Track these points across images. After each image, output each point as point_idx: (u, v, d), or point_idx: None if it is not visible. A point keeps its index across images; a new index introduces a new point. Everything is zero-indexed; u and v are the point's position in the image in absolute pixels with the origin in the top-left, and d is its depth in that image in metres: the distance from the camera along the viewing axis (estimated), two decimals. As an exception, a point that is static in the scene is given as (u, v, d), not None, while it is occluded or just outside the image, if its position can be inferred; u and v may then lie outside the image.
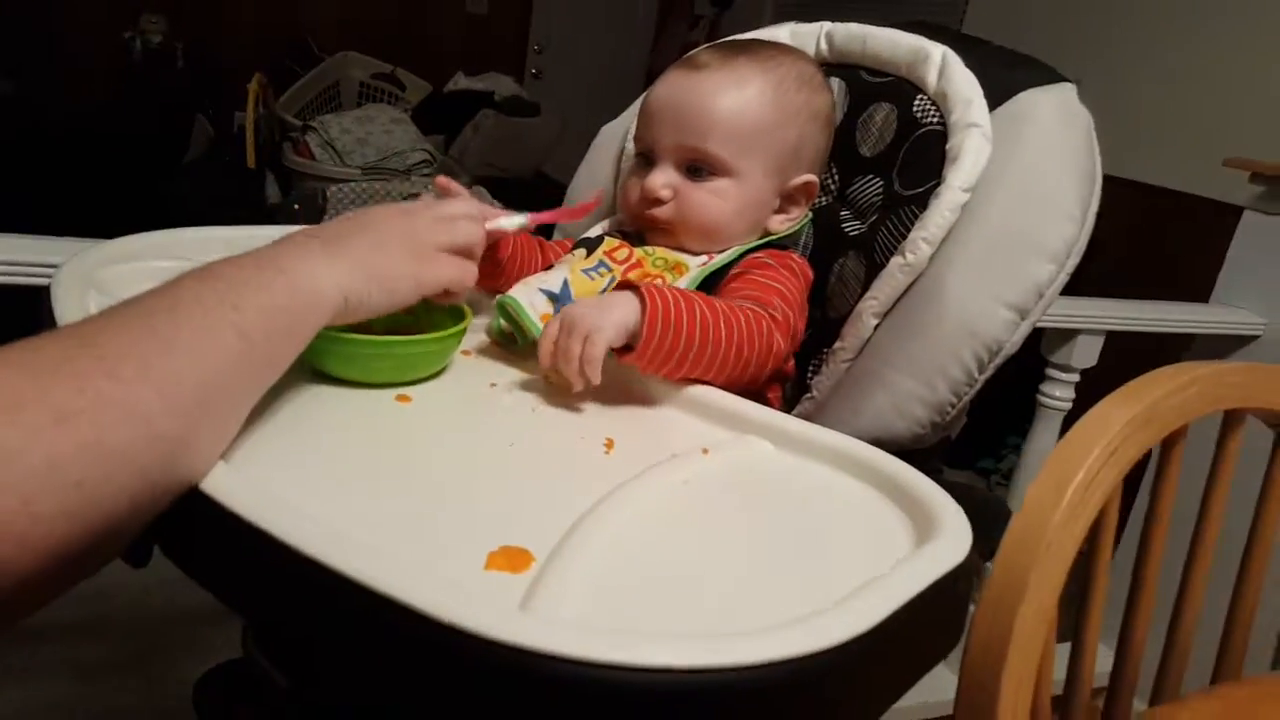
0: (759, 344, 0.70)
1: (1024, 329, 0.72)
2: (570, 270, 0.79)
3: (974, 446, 2.65)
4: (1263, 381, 0.64)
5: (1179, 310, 1.63)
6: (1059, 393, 1.57)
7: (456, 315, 0.70)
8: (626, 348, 0.66)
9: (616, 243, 0.82)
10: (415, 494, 0.55)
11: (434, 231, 0.66)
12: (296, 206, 2.07)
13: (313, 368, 0.65)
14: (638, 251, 0.81)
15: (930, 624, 0.50)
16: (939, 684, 0.55)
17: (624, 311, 0.65)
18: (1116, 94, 2.85)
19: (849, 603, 0.45)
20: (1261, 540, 0.70)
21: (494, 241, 0.77)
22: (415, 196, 2.02)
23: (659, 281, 0.77)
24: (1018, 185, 0.74)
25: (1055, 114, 0.77)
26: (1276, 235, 1.59)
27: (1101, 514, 0.56)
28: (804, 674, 0.41)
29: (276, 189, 2.68)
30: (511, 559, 0.49)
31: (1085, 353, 1.54)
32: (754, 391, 0.81)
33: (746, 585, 0.50)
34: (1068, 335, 1.53)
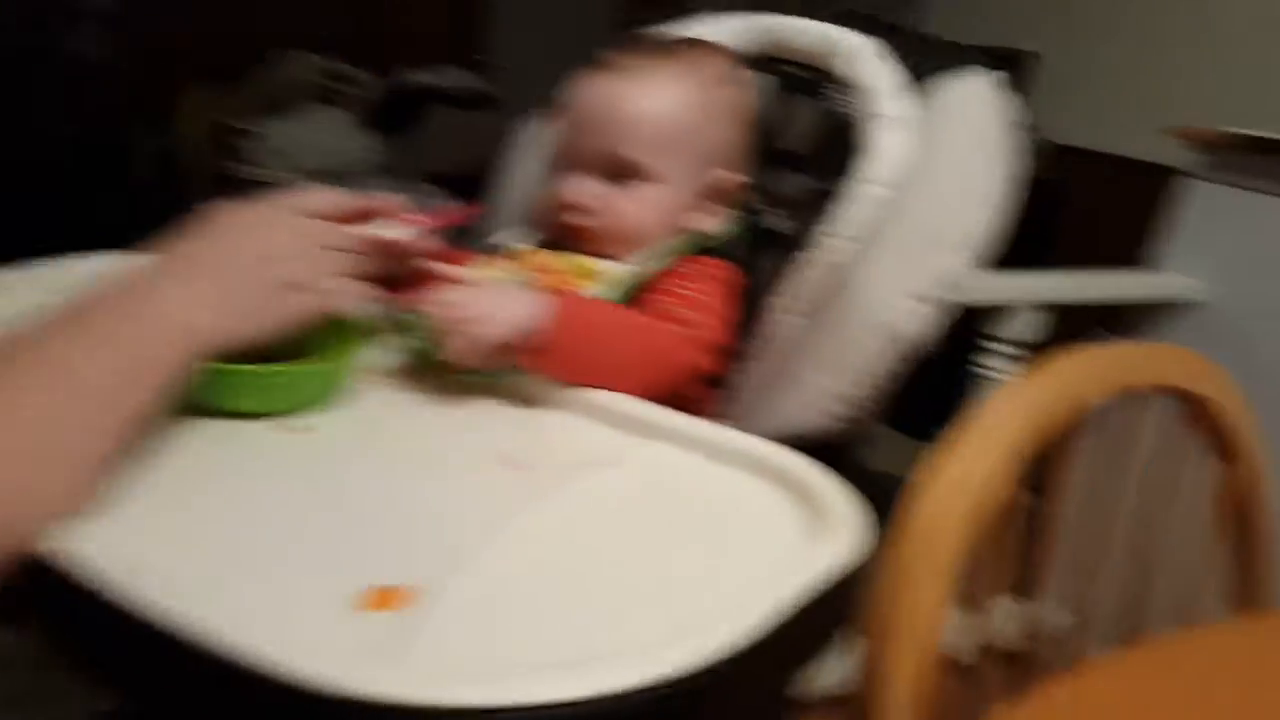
0: (671, 361, 0.69)
1: (932, 318, 0.72)
2: (486, 276, 0.77)
3: (926, 416, 2.67)
4: (1161, 360, 0.65)
5: (1120, 280, 1.64)
6: (998, 365, 1.57)
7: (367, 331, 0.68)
8: (528, 351, 0.64)
9: (535, 248, 0.80)
10: (290, 530, 0.52)
11: (300, 259, 0.61)
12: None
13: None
14: (556, 258, 0.79)
15: (816, 618, 0.49)
16: (832, 666, 0.55)
17: (524, 311, 0.63)
18: (1067, 62, 2.88)
19: (736, 610, 0.45)
20: (1166, 508, 0.71)
21: (399, 251, 0.72)
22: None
23: (575, 289, 0.75)
24: (932, 175, 0.74)
25: (974, 101, 0.76)
26: (1220, 202, 1.61)
27: (1001, 503, 0.56)
28: (693, 686, 0.41)
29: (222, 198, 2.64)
30: (388, 598, 0.47)
31: (1022, 325, 1.54)
32: (677, 392, 0.80)
33: (637, 602, 0.49)
34: (1002, 310, 1.54)
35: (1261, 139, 1.45)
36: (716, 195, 0.81)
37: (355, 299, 0.64)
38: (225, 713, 0.43)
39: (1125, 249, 2.18)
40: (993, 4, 3.19)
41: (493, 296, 0.64)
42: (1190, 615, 0.72)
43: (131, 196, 2.93)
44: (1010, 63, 3.05)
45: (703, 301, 0.74)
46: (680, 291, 0.75)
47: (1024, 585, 0.67)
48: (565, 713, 0.39)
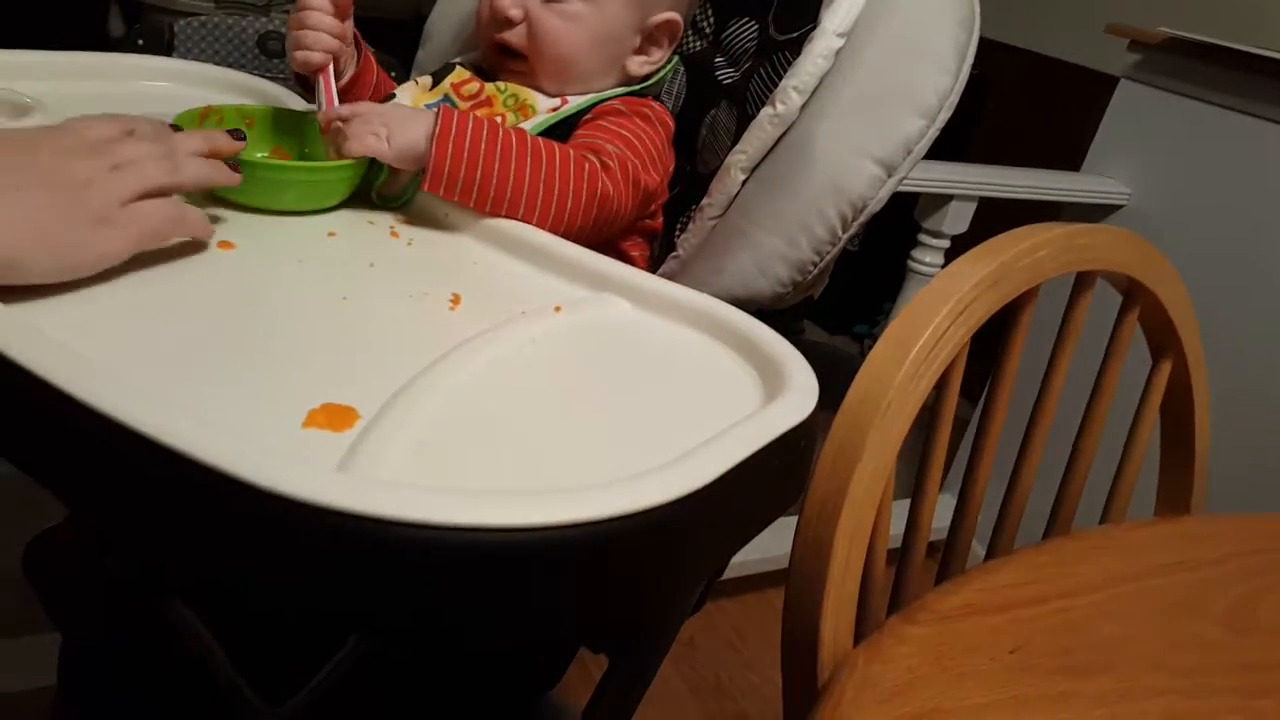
0: (578, 186, 0.67)
1: (890, 185, 0.70)
2: (413, 102, 0.74)
3: (849, 312, 2.71)
4: (1112, 244, 0.64)
5: (1051, 178, 1.66)
6: (929, 258, 1.59)
7: None
8: (419, 172, 0.65)
9: (467, 75, 0.78)
10: (235, 349, 0.51)
11: (112, 184, 0.52)
12: (140, 42, 1.88)
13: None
14: (488, 87, 0.76)
15: (771, 478, 0.49)
16: (780, 538, 0.55)
17: (416, 129, 0.64)
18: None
19: (688, 458, 0.44)
20: (1102, 399, 0.72)
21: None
22: (278, 41, 1.85)
23: (502, 120, 0.73)
24: (893, 32, 0.71)
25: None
26: (1150, 105, 1.62)
27: (948, 372, 0.56)
28: (639, 528, 0.40)
29: (120, 21, 2.44)
30: (333, 417, 0.46)
31: (957, 218, 1.55)
32: (617, 248, 0.78)
33: (586, 443, 0.48)
34: (941, 200, 1.54)
35: (1208, 44, 1.45)
36: (655, 34, 0.79)
37: (172, 223, 0.55)
38: (168, 511, 0.40)
39: (1043, 149, 2.20)
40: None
41: (393, 113, 0.65)
42: (1118, 513, 0.74)
43: (16, 5, 2.68)
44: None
45: (627, 137, 0.73)
46: (604, 125, 0.74)
47: (955, 486, 0.69)
48: (506, 542, 0.37)
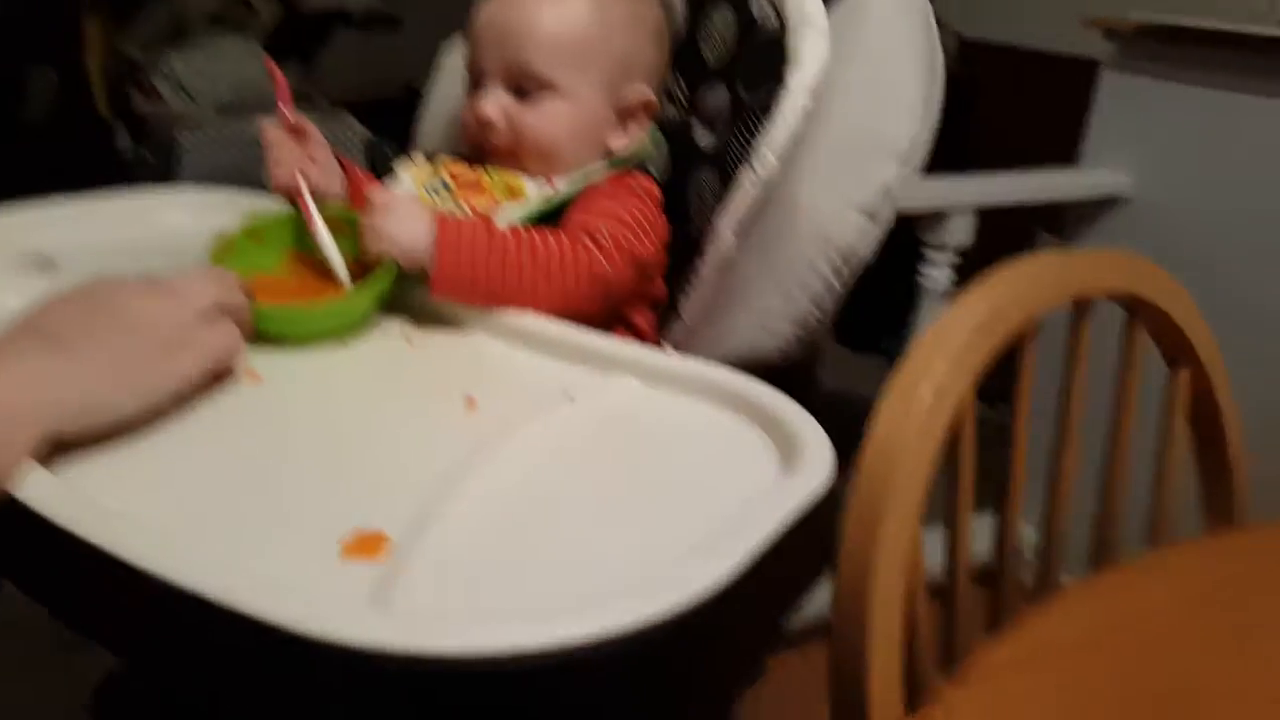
0: (576, 271, 0.70)
1: (876, 231, 0.72)
2: (413, 181, 0.79)
3: (874, 327, 2.70)
4: (1105, 266, 0.65)
5: (1049, 178, 1.66)
6: (938, 273, 1.59)
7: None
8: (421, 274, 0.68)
9: (458, 161, 0.81)
10: (267, 482, 0.53)
11: (177, 312, 0.56)
12: (148, 158, 1.94)
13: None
14: (480, 173, 0.80)
15: (797, 551, 0.50)
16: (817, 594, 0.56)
17: (416, 233, 0.67)
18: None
19: (711, 548, 0.45)
20: (1124, 417, 0.72)
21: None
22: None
23: (495, 202, 0.76)
24: (859, 83, 0.73)
25: (891, 5, 0.75)
26: (1137, 92, 1.62)
27: (958, 420, 0.56)
28: (671, 630, 0.41)
29: (127, 137, 2.51)
30: (365, 544, 0.47)
31: (959, 231, 1.55)
32: (623, 319, 0.80)
33: (611, 543, 0.49)
34: (939, 216, 1.55)
35: (1179, 27, 1.45)
36: (631, 111, 0.81)
37: (232, 344, 0.59)
38: (215, 660, 0.42)
39: (1040, 144, 2.20)
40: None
41: (399, 214, 0.68)
42: (1162, 531, 0.73)
43: (29, 135, 2.77)
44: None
45: (617, 212, 0.75)
46: (595, 205, 0.76)
47: (996, 504, 0.68)
48: (549, 660, 0.38)
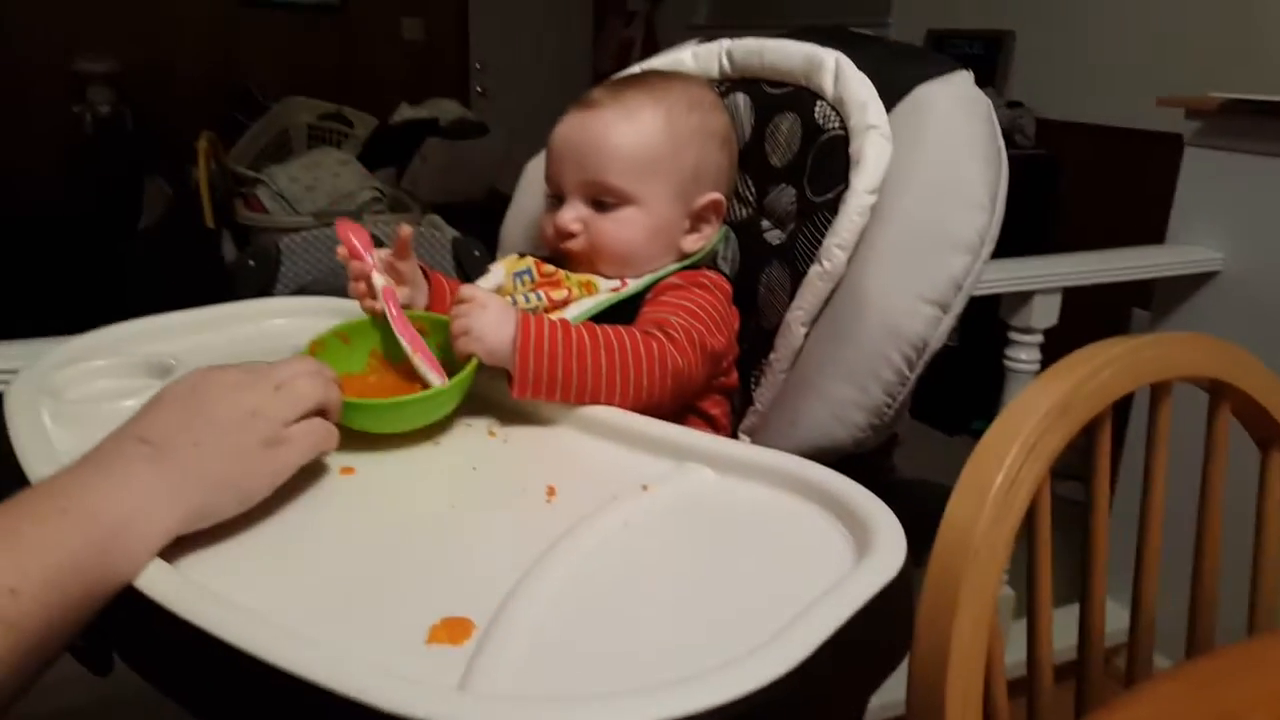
0: (650, 365, 0.72)
1: (947, 322, 0.73)
2: (505, 270, 0.83)
3: (965, 408, 2.65)
4: (1182, 350, 0.64)
5: (1135, 256, 1.63)
6: (1024, 355, 1.57)
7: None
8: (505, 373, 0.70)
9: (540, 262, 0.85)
10: (361, 570, 0.56)
11: (277, 407, 0.58)
12: (251, 263, 2.06)
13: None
14: (559, 271, 0.83)
15: (872, 638, 0.50)
16: (893, 683, 0.55)
17: (502, 334, 0.70)
18: (1054, 41, 2.87)
19: (783, 635, 0.46)
20: (1212, 501, 0.70)
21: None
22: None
23: (570, 295, 0.80)
24: (924, 180, 0.75)
25: (953, 104, 0.78)
26: (1223, 166, 1.60)
27: (1034, 506, 0.56)
28: (748, 713, 0.42)
29: (233, 246, 2.67)
30: (452, 630, 0.49)
31: (1044, 312, 1.54)
32: (698, 409, 0.82)
33: (688, 627, 0.50)
34: (1024, 297, 1.53)
35: (1263, 101, 1.44)
36: (702, 213, 0.85)
37: (328, 438, 0.62)
38: None
39: (1127, 219, 2.16)
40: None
41: (486, 313, 0.71)
42: (1260, 617, 0.70)
43: (144, 241, 2.97)
44: (987, 43, 3.05)
45: (688, 306, 0.78)
46: (665, 302, 0.79)
47: (1080, 590, 0.67)
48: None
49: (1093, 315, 1.62)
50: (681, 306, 0.78)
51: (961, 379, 2.27)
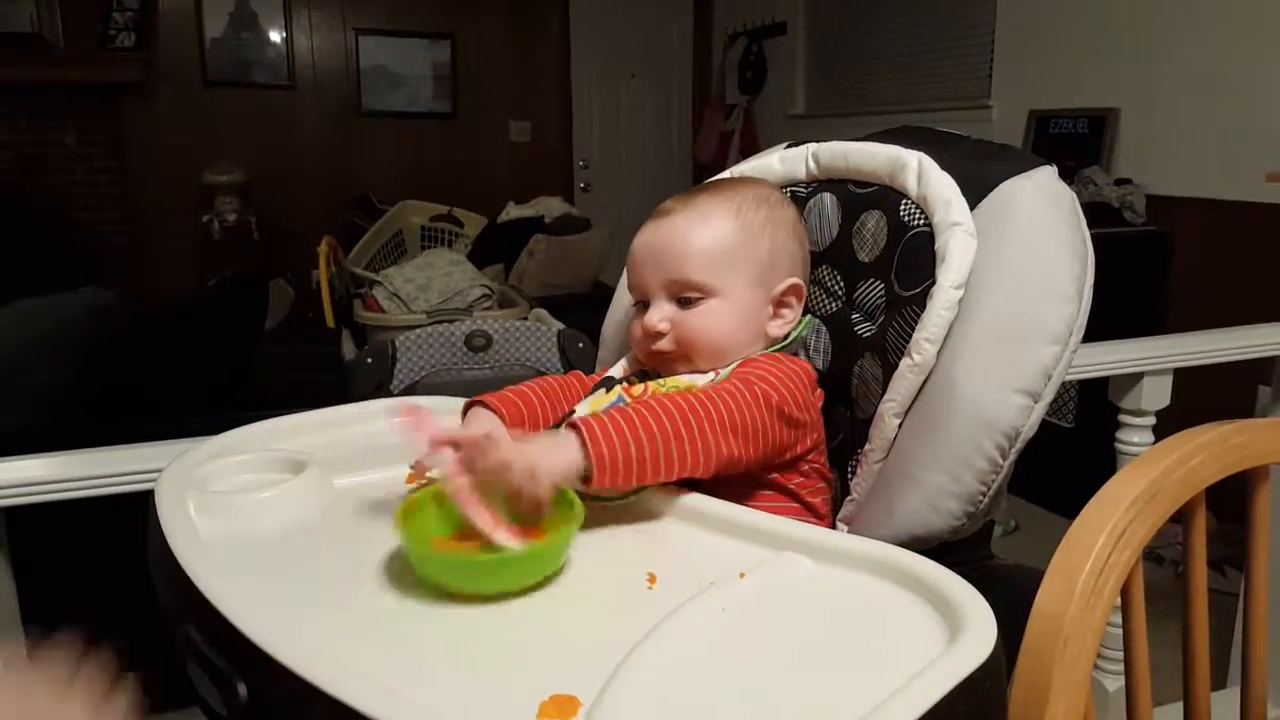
0: (734, 406, 0.73)
1: (1039, 411, 0.74)
2: (592, 407, 0.84)
3: (1080, 491, 2.57)
4: (1266, 436, 0.64)
5: (1243, 335, 1.58)
6: (1136, 438, 1.53)
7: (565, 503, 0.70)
8: (585, 482, 0.69)
9: (628, 380, 0.89)
10: (475, 650, 0.60)
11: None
12: (369, 361, 2.18)
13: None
14: (651, 384, 0.86)
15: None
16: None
17: (568, 452, 0.68)
18: (1159, 116, 2.83)
19: (874, 716, 0.47)
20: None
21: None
22: (481, 338, 2.08)
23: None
24: (1011, 273, 0.77)
25: (1037, 198, 0.80)
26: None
27: (1125, 593, 0.56)
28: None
29: (352, 345, 2.82)
30: (560, 707, 0.52)
31: (1154, 394, 1.50)
32: (799, 497, 0.84)
33: (783, 710, 0.52)
34: (1133, 379, 1.51)
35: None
36: (784, 299, 0.88)
37: None
38: None
39: (1243, 289, 2.09)
40: (1064, 69, 3.19)
41: (534, 446, 0.69)
42: None
43: (270, 340, 3.16)
44: (1092, 120, 3.03)
45: (759, 373, 0.79)
46: (741, 371, 0.81)
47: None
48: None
49: (1216, 393, 1.57)
50: (753, 374, 0.80)
51: (1079, 461, 2.21)
